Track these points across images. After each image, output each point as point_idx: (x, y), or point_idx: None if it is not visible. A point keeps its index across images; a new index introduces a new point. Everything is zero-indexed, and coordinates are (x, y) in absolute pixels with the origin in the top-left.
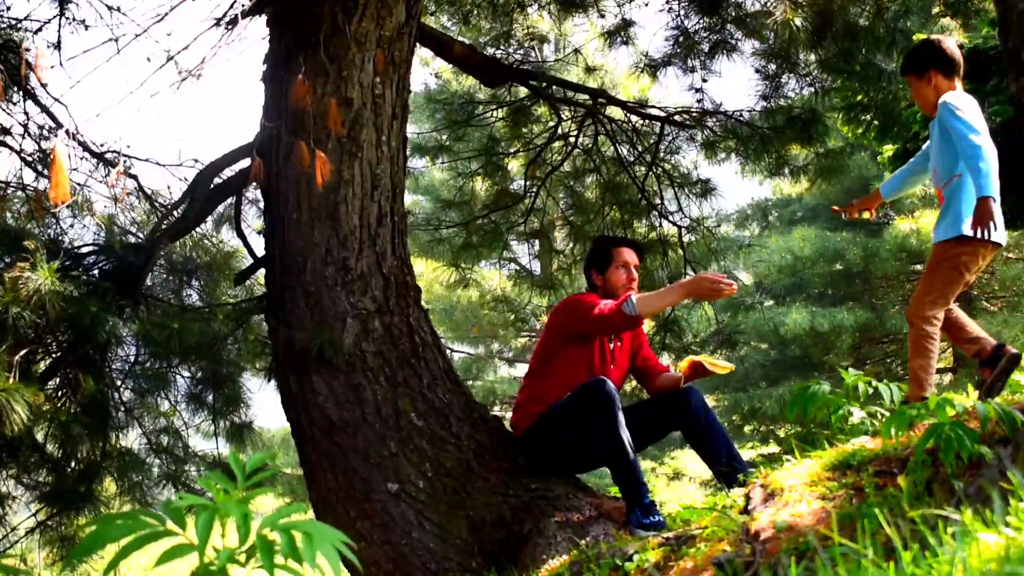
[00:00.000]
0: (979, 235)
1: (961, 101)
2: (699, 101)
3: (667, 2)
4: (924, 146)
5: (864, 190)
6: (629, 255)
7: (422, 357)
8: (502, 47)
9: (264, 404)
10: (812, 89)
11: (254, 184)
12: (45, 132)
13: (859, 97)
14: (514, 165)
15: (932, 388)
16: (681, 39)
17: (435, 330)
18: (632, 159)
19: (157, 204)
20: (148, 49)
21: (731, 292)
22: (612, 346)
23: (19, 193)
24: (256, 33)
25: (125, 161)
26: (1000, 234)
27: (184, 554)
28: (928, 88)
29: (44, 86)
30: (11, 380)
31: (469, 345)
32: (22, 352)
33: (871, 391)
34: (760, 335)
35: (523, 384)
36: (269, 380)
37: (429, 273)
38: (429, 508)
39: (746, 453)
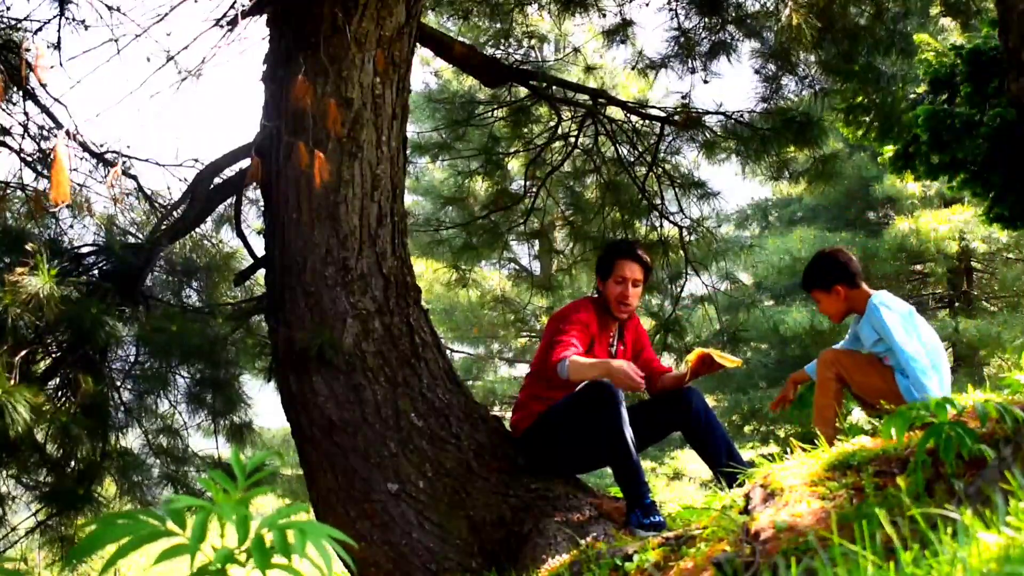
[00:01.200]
0: None
1: (892, 302)
2: (688, 104)
3: (668, 2)
4: (851, 329)
5: (864, 190)
6: (631, 270)
7: (422, 357)
8: (502, 47)
9: (264, 404)
10: (812, 90)
11: (254, 184)
12: (45, 132)
13: (859, 99)
14: (514, 165)
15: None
16: (681, 39)
17: (435, 330)
18: (632, 159)
19: (157, 204)
20: (148, 49)
21: (639, 389)
22: (615, 348)
23: (19, 193)
24: (256, 33)
25: (125, 161)
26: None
27: (182, 554)
28: (836, 300)
29: (44, 86)
30: (12, 381)
31: (469, 345)
32: (22, 353)
33: None
34: (760, 335)
35: (525, 383)
36: (269, 380)
37: (429, 273)
38: (429, 508)
39: (746, 453)
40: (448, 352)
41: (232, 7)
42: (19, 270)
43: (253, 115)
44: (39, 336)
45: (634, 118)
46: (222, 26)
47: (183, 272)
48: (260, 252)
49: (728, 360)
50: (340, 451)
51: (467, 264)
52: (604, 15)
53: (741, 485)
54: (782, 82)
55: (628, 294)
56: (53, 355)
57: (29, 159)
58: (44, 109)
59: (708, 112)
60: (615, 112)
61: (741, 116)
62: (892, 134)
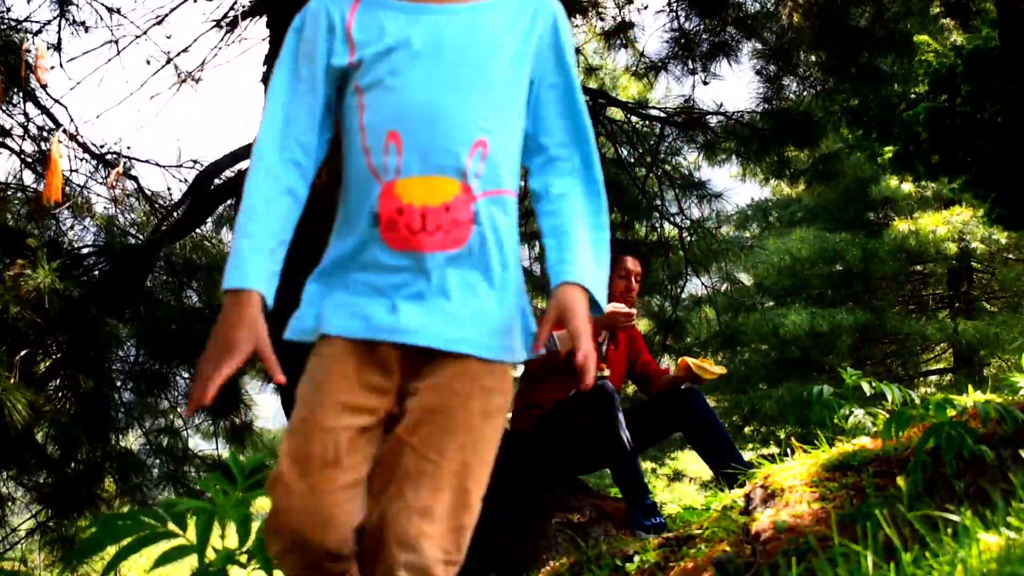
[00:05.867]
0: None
1: None
2: (692, 106)
3: (668, 3)
4: None
5: (862, 191)
6: (633, 264)
7: None
8: None
9: (264, 405)
10: (813, 91)
11: None
12: (45, 133)
13: (853, 102)
14: None
15: None
16: (681, 41)
17: None
18: (632, 160)
19: (157, 205)
20: (148, 50)
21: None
22: (604, 349)
23: (19, 194)
24: (256, 34)
25: (125, 162)
26: None
27: (183, 555)
28: None
29: (44, 87)
30: (11, 381)
31: None
32: (22, 353)
33: (872, 391)
34: (760, 336)
35: (522, 385)
36: (269, 381)
37: None
38: None
39: (746, 454)
40: None
41: (232, 8)
42: (20, 262)
43: (253, 115)
44: (39, 336)
45: (634, 119)
46: (222, 27)
47: (183, 272)
48: None
49: (706, 372)
50: None
51: None
52: (603, 19)
53: (742, 486)
54: (783, 82)
55: (633, 287)
56: (53, 355)
57: (29, 160)
58: (44, 110)
59: (709, 112)
60: (615, 113)
61: (741, 116)
62: (892, 134)
